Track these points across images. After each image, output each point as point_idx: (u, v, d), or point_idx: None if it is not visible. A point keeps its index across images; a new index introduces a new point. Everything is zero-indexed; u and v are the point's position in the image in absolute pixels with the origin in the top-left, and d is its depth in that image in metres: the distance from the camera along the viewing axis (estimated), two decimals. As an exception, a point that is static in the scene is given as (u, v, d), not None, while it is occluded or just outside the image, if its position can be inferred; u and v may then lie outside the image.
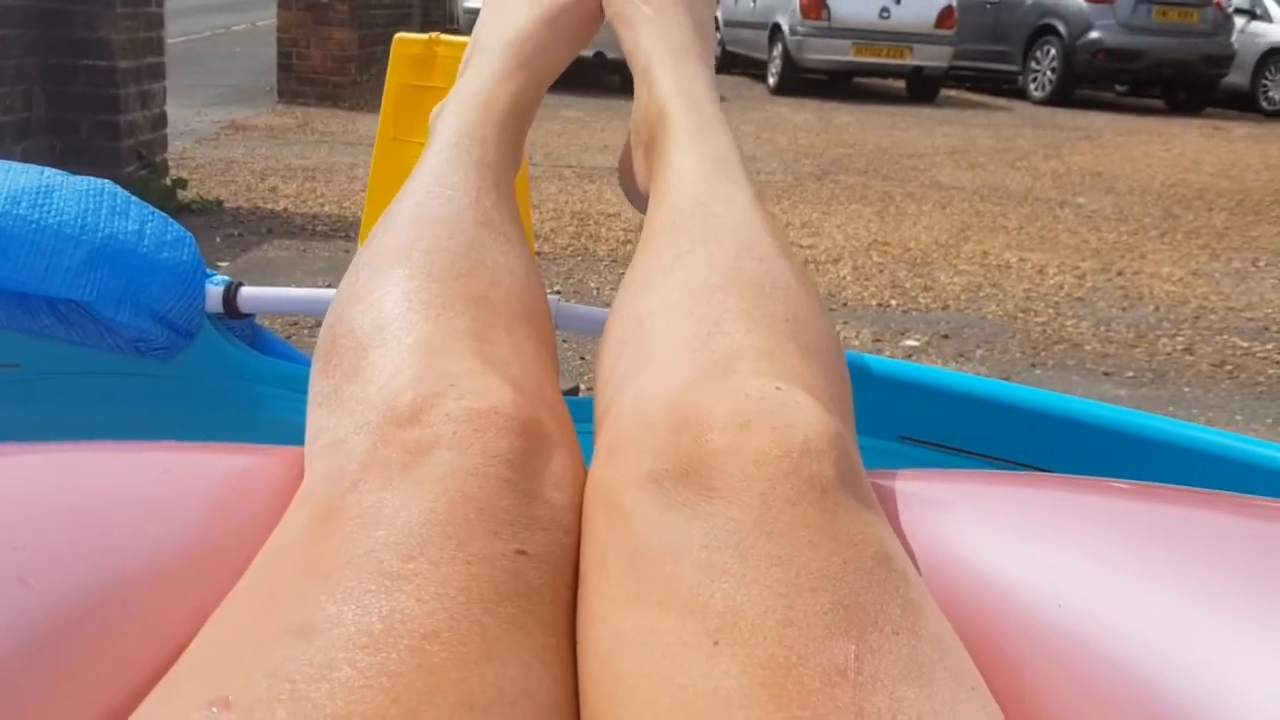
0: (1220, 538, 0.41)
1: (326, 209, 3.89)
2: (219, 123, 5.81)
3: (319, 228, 3.61)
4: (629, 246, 3.67)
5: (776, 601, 0.32)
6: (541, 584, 0.36)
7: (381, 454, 0.38)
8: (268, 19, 13.25)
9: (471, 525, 0.35)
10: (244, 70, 8.56)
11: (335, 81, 6.88)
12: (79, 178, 0.87)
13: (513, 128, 0.68)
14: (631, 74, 0.70)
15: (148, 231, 0.87)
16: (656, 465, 0.37)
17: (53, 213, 0.83)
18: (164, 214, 0.89)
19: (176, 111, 4.18)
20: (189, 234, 0.90)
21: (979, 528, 0.42)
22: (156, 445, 0.49)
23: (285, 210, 3.81)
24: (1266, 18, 10.98)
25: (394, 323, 0.48)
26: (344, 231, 3.57)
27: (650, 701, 0.31)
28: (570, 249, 3.60)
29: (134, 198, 0.88)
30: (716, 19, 12.49)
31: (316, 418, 0.48)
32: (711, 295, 0.46)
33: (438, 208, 0.58)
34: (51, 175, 0.85)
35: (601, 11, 0.75)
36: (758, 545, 0.34)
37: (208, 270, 0.90)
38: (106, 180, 0.88)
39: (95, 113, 3.63)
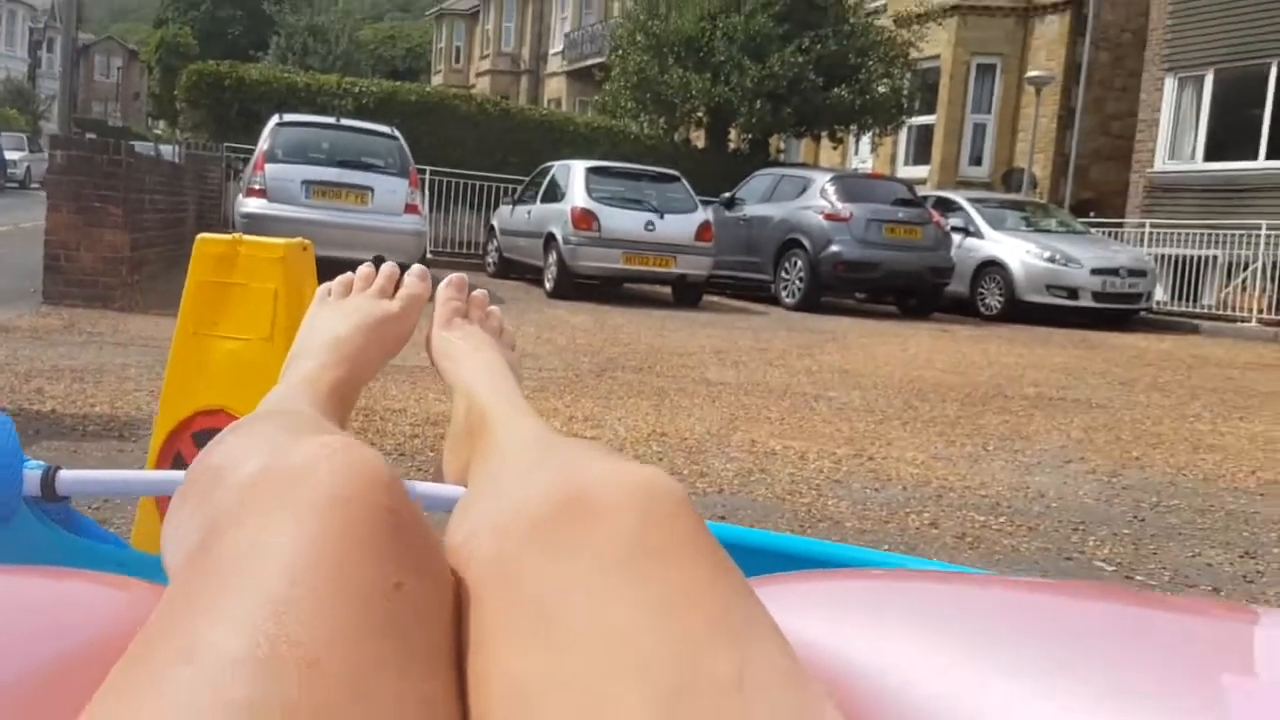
0: (1028, 614, 0.48)
1: (98, 409, 3.76)
2: (-27, 325, 5.53)
3: (90, 428, 3.48)
4: (416, 440, 3.72)
5: (665, 621, 0.35)
6: (415, 621, 0.37)
7: (261, 487, 0.40)
8: (31, 221, 12.75)
9: (352, 554, 0.36)
10: (7, 273, 8.19)
11: (105, 283, 6.71)
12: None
13: (334, 408, 0.80)
14: (452, 393, 0.84)
15: (-33, 416, 0.91)
16: (538, 515, 0.41)
17: (-126, 400, 0.86)
18: (-15, 401, 0.93)
19: (-73, 313, 3.99)
20: (6, 417, 0.94)
21: (833, 621, 0.47)
22: None
23: (53, 411, 3.66)
24: (979, 235, 12.45)
25: (252, 439, 0.56)
26: (117, 431, 3.46)
27: None
28: (354, 446, 3.61)
29: (-44, 386, 0.92)
30: (494, 227, 12.99)
31: (175, 519, 0.54)
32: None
33: (277, 413, 0.70)
34: None
35: (410, 333, 0.94)
36: (640, 567, 0.37)
37: (24, 456, 0.94)
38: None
39: None
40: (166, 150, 18.24)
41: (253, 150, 10.13)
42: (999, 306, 11.96)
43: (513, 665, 0.36)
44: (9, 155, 26.64)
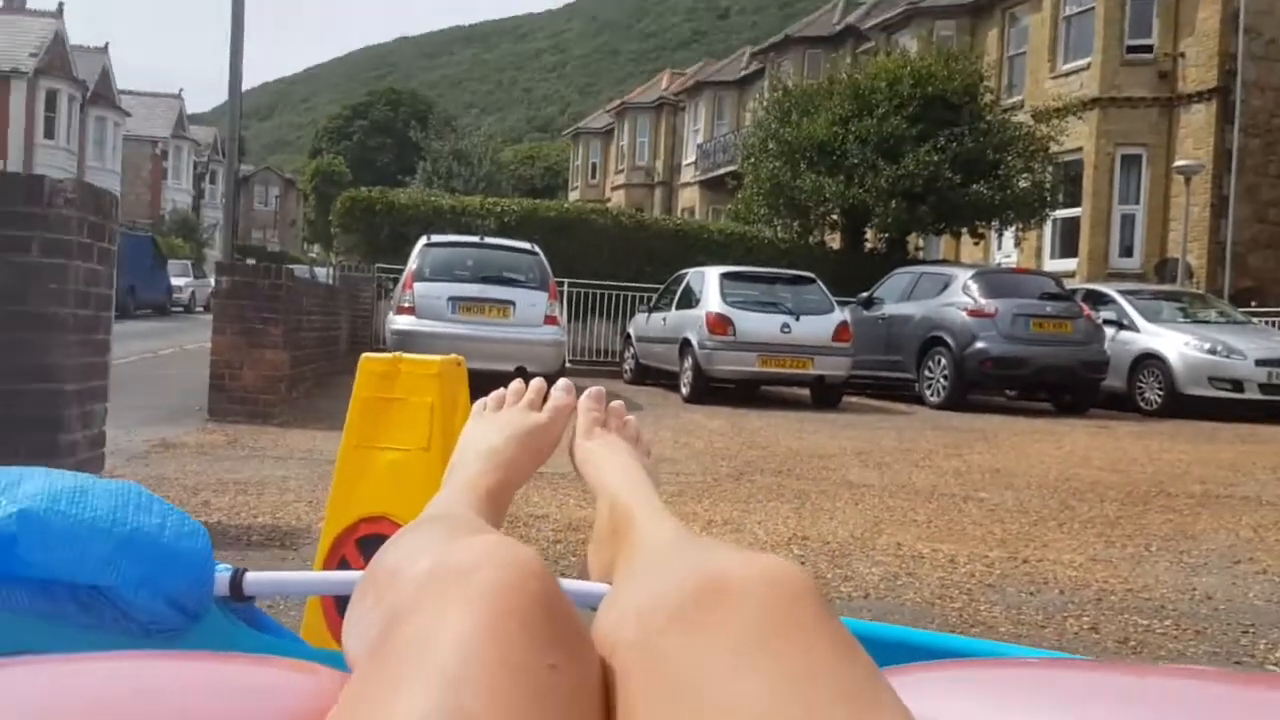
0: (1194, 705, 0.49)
1: (260, 520, 3.95)
2: (149, 441, 5.90)
3: (254, 538, 3.66)
4: (559, 545, 3.77)
5: (797, 694, 0.39)
6: (569, 698, 0.41)
7: (434, 581, 0.45)
8: (195, 344, 13.64)
9: (514, 636, 0.41)
10: (172, 391, 8.74)
11: (266, 399, 7.08)
12: (109, 480, 0.99)
13: (490, 510, 0.88)
14: (596, 496, 0.91)
15: (168, 525, 0.99)
16: (678, 601, 0.46)
17: (87, 509, 0.95)
18: (181, 510, 1.02)
19: (107, 432, 4.27)
20: (202, 527, 1.02)
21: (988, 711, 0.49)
22: (194, 655, 0.58)
23: (219, 523, 3.86)
24: (1134, 327, 12.01)
25: (422, 540, 0.61)
26: (279, 541, 3.62)
27: None
28: (501, 553, 3.69)
29: (156, 496, 1.01)
30: (630, 335, 13.22)
31: (355, 612, 0.60)
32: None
33: (442, 517, 0.76)
34: (85, 478, 0.98)
35: (557, 440, 1.01)
36: (773, 644, 0.41)
37: (215, 561, 1.02)
38: (132, 482, 1.01)
39: (37, 432, 3.72)
40: (321, 273, 19.29)
41: (402, 270, 10.63)
42: (1159, 401, 11.45)
43: None
44: (175, 281, 28.57)
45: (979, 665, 0.61)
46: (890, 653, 0.83)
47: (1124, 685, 0.53)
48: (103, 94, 38.35)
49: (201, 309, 28.94)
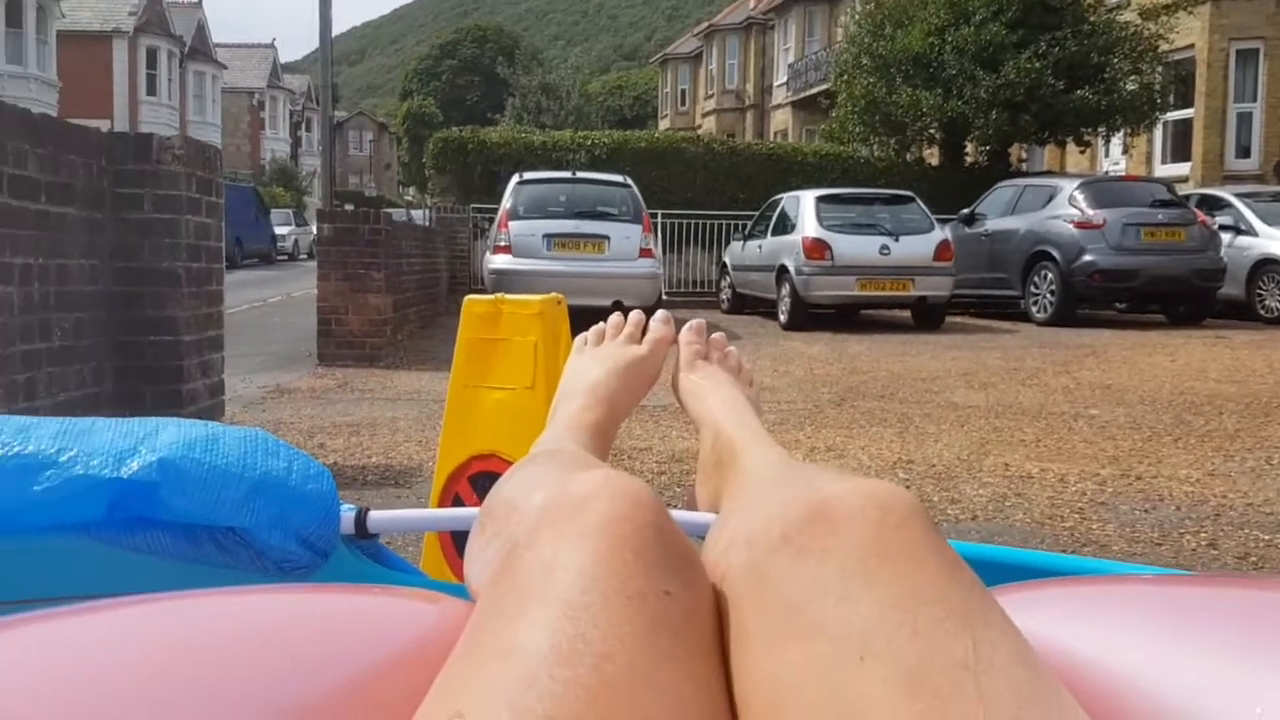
0: None
1: (374, 460, 4.08)
2: (264, 388, 6.12)
3: (369, 478, 3.79)
4: (663, 477, 3.83)
5: (904, 616, 0.40)
6: (684, 623, 0.42)
7: (551, 514, 0.47)
8: (301, 291, 14.03)
9: (629, 565, 0.42)
10: (283, 339, 9.03)
11: (372, 343, 7.27)
12: (238, 427, 1.05)
13: (597, 444, 0.90)
14: (699, 428, 0.92)
15: (294, 468, 1.04)
16: (786, 527, 0.46)
17: (220, 455, 1.01)
18: (306, 454, 1.07)
19: (225, 379, 4.45)
20: (327, 469, 1.07)
21: (1117, 630, 0.48)
22: (327, 587, 0.62)
23: (335, 464, 4.01)
24: (1252, 232, 11.48)
25: (536, 475, 0.64)
26: (393, 479, 3.75)
27: (816, 713, 0.38)
28: (608, 484, 3.76)
29: (282, 441, 1.06)
30: (726, 264, 13.14)
31: (475, 545, 0.63)
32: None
33: (553, 452, 0.79)
34: (215, 427, 1.03)
35: (658, 372, 1.03)
36: (880, 568, 0.42)
37: (340, 500, 1.07)
38: (259, 429, 1.07)
39: (159, 384, 3.89)
40: (418, 215, 19.56)
41: (497, 209, 10.73)
42: None
43: (769, 659, 0.41)
44: (278, 230, 29.31)
45: (1088, 583, 0.61)
46: (999, 573, 0.84)
47: (1240, 598, 0.52)
48: (199, 48, 39.18)
49: (305, 256, 29.69)
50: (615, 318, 1.09)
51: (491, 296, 1.78)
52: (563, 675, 0.37)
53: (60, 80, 29.92)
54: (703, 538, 0.58)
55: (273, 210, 30.14)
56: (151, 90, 35.19)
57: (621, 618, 0.40)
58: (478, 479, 1.76)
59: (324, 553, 1.05)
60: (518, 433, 1.72)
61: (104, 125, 27.90)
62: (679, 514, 0.85)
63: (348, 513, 1.05)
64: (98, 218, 3.62)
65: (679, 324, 1.03)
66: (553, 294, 1.83)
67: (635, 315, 1.09)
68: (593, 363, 1.02)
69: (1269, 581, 0.56)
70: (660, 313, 1.06)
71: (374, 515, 1.05)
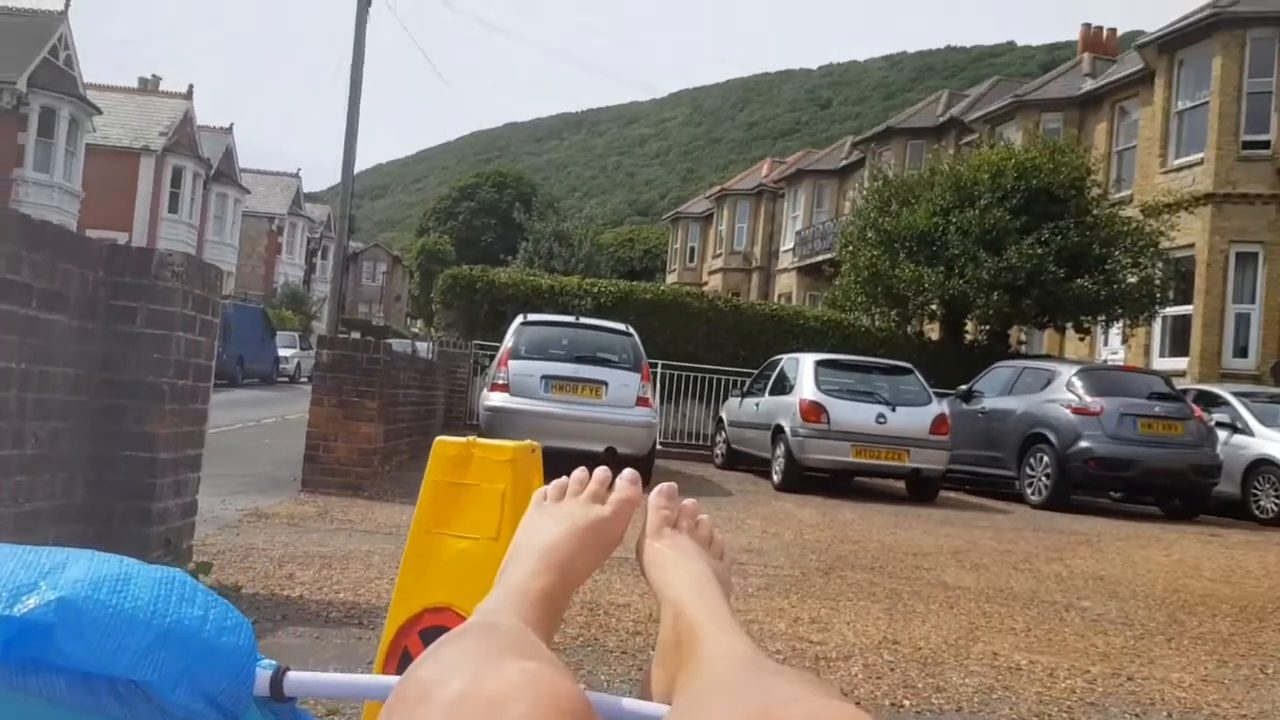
0: None
1: (342, 596, 3.94)
2: (242, 510, 5.99)
3: (333, 614, 3.65)
4: (639, 638, 3.68)
5: None
6: None
7: (460, 713, 0.42)
8: (296, 414, 13.98)
9: None
10: (270, 461, 8.92)
11: (358, 472, 7.17)
12: (154, 567, 0.96)
13: (542, 615, 0.82)
14: (660, 603, 0.85)
15: (210, 617, 0.96)
16: None
17: (128, 598, 0.92)
18: (227, 602, 0.98)
19: (202, 499, 4.36)
20: (246, 621, 0.98)
21: None
22: None
23: (301, 597, 3.87)
24: (1248, 431, 11.49)
25: (456, 657, 0.57)
26: (358, 619, 3.60)
27: None
28: (580, 639, 3.61)
29: (201, 586, 0.98)
30: (722, 419, 13.12)
31: None
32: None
33: (485, 628, 0.71)
34: (131, 564, 0.95)
35: (620, 537, 0.95)
36: None
37: (258, 655, 0.98)
38: (177, 570, 0.98)
39: (130, 500, 3.79)
40: (422, 347, 19.69)
41: (498, 347, 10.77)
42: (1275, 510, 10.87)
43: None
44: (282, 352, 29.50)
45: None
46: None
47: None
48: (225, 172, 40.21)
49: (306, 379, 29.75)
50: (579, 473, 1.02)
51: (464, 439, 1.71)
52: None
53: (84, 191, 30.60)
54: None
55: (279, 332, 30.39)
56: (174, 208, 35.94)
57: None
58: (429, 633, 1.66)
59: (233, 715, 0.96)
60: (476, 586, 1.62)
61: (123, 238, 28.46)
62: (631, 704, 0.78)
63: (265, 670, 0.96)
64: (89, 327, 3.59)
65: (663, 476, 0.98)
66: (527, 441, 1.76)
67: (600, 472, 1.02)
68: (550, 522, 0.94)
69: None
70: (628, 471, 0.99)
71: (292, 677, 0.96)
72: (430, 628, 1.64)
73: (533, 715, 0.40)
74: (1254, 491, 11.17)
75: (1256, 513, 11.03)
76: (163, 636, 0.91)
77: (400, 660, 1.64)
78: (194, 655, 0.92)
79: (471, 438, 1.73)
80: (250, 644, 0.97)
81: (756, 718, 0.43)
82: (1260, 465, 11.15)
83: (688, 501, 0.98)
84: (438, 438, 1.74)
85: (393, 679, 0.89)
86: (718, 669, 0.64)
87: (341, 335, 12.11)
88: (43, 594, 0.88)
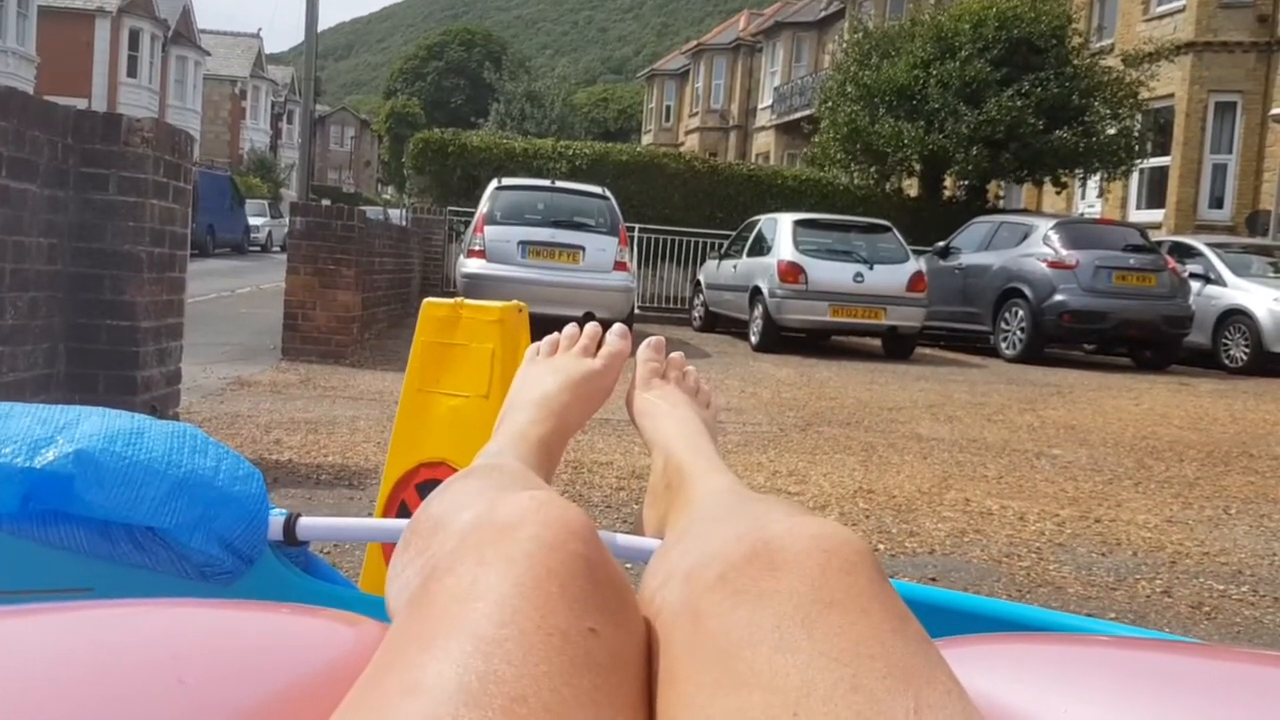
0: (1238, 689, 0.46)
1: (330, 459, 4.01)
2: (225, 379, 6.02)
3: (323, 477, 3.72)
4: (622, 493, 3.78)
5: (842, 671, 0.37)
6: (608, 664, 0.39)
7: (475, 536, 0.44)
8: (270, 283, 13.89)
9: (553, 599, 0.39)
10: (248, 330, 8.91)
11: (338, 340, 7.18)
12: (165, 422, 0.99)
13: (542, 459, 0.86)
14: (650, 449, 0.89)
15: (223, 468, 0.99)
16: (724, 565, 0.43)
17: (143, 450, 0.95)
18: (236, 453, 1.01)
19: (184, 368, 4.38)
20: (257, 471, 1.02)
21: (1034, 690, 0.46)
22: (235, 604, 0.58)
23: (290, 461, 3.93)
24: (1221, 282, 11.61)
25: (467, 492, 0.60)
26: (347, 480, 3.68)
27: None
28: (566, 494, 3.69)
29: (212, 439, 1.01)
30: (700, 282, 13.14)
31: (398, 563, 0.59)
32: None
33: (490, 468, 0.75)
34: (142, 419, 0.98)
35: (611, 388, 0.98)
36: (821, 618, 0.39)
37: (270, 503, 1.02)
38: (188, 424, 1.01)
39: (114, 369, 3.81)
40: (395, 214, 19.45)
41: (474, 213, 10.67)
42: (1244, 359, 11.08)
43: (696, 706, 0.39)
44: (252, 221, 29.08)
45: (1040, 640, 0.58)
46: (949, 619, 0.81)
47: (1194, 667, 0.49)
48: (184, 33, 38.86)
49: (278, 249, 29.47)
50: (570, 329, 1.05)
51: (451, 300, 1.73)
52: (469, 717, 0.34)
53: (39, 57, 29.56)
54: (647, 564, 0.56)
55: (248, 201, 29.89)
56: (132, 72, 34.84)
57: (539, 655, 0.37)
58: (425, 486, 1.71)
59: (249, 559, 1.00)
60: (469, 441, 1.67)
61: (81, 104, 27.61)
62: (625, 539, 0.83)
63: (277, 517, 1.00)
64: (60, 196, 3.54)
65: (642, 340, 1.00)
66: (514, 301, 1.78)
67: (590, 328, 1.05)
68: (544, 374, 0.98)
69: (1225, 652, 0.54)
70: (617, 326, 1.02)
71: (304, 522, 1.00)
72: (426, 481, 1.69)
73: (543, 535, 0.42)
74: (1224, 341, 11.37)
75: (1226, 362, 11.26)
76: (178, 485, 0.94)
77: (398, 512, 1.69)
78: (209, 503, 0.96)
79: (459, 299, 1.75)
80: (262, 492, 1.00)
81: (743, 537, 0.45)
82: (1231, 315, 11.31)
83: (675, 354, 1.01)
84: (425, 299, 1.76)
85: (401, 522, 0.93)
86: (706, 502, 0.67)
87: (314, 202, 11.94)
88: (60, 447, 0.91)
